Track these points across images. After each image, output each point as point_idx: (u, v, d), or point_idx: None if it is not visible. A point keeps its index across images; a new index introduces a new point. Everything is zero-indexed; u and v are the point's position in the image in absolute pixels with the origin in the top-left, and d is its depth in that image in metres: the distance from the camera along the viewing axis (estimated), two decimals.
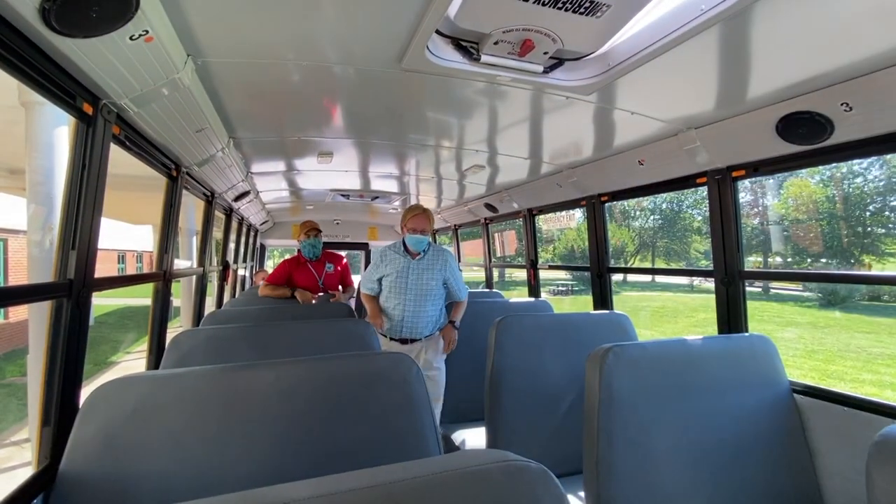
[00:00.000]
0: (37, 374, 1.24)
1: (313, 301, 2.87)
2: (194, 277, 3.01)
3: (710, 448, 1.37)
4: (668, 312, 18.16)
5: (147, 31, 1.05)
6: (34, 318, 2.62)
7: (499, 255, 4.88)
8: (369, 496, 0.52)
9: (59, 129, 2.72)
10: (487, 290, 4.32)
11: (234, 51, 1.33)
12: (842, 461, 1.47)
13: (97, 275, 1.36)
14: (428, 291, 2.51)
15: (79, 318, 1.25)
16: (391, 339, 2.55)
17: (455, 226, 5.29)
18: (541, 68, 1.44)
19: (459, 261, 5.25)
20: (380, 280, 2.58)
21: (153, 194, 2.23)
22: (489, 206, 4.04)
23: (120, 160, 1.54)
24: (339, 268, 3.37)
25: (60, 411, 1.19)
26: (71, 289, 1.23)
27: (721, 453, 1.38)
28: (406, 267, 2.52)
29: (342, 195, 4.12)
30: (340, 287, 3.41)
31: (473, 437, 2.33)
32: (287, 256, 3.64)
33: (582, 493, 1.31)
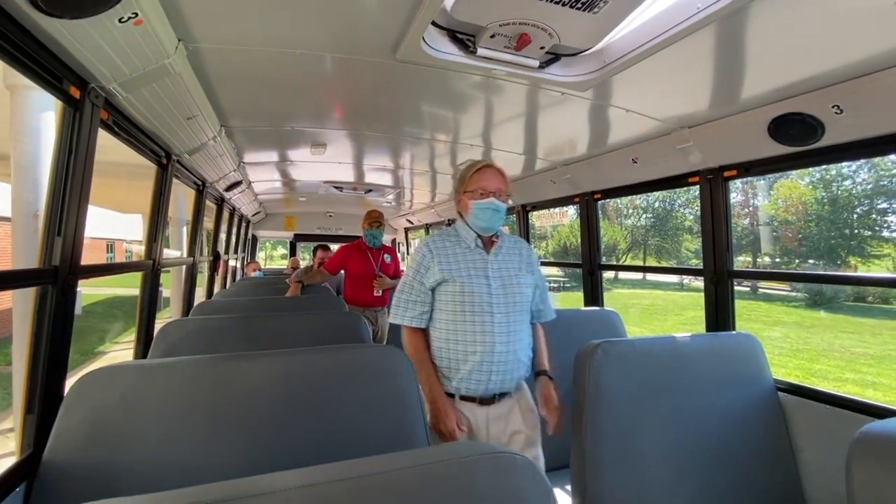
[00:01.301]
0: (21, 362, 1.22)
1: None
2: (184, 267, 2.98)
3: (695, 443, 1.39)
4: (657, 310, 18.35)
5: (136, 14, 1.02)
6: (18, 306, 2.58)
7: None
8: (356, 486, 0.52)
9: (47, 114, 2.66)
10: None
11: (227, 37, 1.31)
12: (823, 457, 1.50)
13: (84, 262, 1.34)
14: (522, 304, 1.54)
15: (64, 306, 1.23)
16: (461, 397, 1.47)
17: (449, 220, 5.29)
18: (536, 63, 1.44)
19: None
20: (433, 290, 1.53)
21: (143, 182, 2.20)
22: None
23: (109, 147, 1.51)
24: (393, 259, 3.73)
25: (45, 400, 1.17)
26: (56, 275, 1.20)
27: (706, 448, 1.40)
28: (482, 265, 1.52)
29: (335, 187, 4.10)
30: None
31: None
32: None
33: (569, 487, 1.33)
